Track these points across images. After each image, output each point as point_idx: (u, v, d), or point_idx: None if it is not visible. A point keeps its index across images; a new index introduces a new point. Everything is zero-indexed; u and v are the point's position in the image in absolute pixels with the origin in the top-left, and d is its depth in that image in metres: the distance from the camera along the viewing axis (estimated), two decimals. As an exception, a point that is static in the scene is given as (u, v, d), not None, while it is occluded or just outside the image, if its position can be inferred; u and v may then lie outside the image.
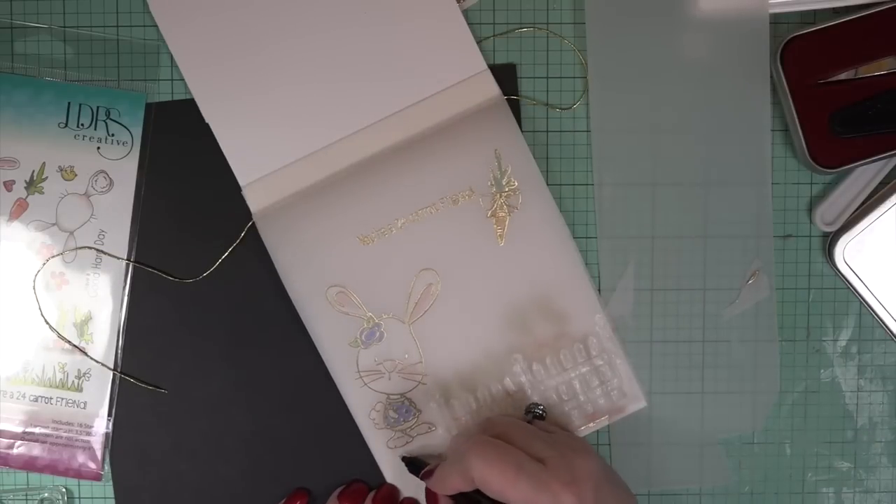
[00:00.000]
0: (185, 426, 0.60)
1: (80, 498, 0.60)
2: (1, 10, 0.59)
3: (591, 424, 0.59)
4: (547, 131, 0.60)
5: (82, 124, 0.58)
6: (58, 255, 0.59)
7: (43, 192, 0.59)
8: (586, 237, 0.60)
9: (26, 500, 0.60)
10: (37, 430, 0.59)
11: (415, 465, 0.57)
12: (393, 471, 0.58)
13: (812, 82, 0.58)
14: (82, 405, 0.59)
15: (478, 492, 0.51)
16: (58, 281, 0.59)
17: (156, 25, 0.58)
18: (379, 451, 0.58)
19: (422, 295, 0.58)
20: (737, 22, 0.58)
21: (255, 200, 0.58)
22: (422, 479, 0.55)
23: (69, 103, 0.58)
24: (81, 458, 0.59)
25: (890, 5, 0.58)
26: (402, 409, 0.58)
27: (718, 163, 0.59)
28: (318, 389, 0.59)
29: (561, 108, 0.60)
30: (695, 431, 0.60)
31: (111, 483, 0.59)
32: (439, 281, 0.58)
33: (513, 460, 0.49)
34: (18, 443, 0.59)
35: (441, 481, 0.52)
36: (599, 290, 0.59)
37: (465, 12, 0.59)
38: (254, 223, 0.58)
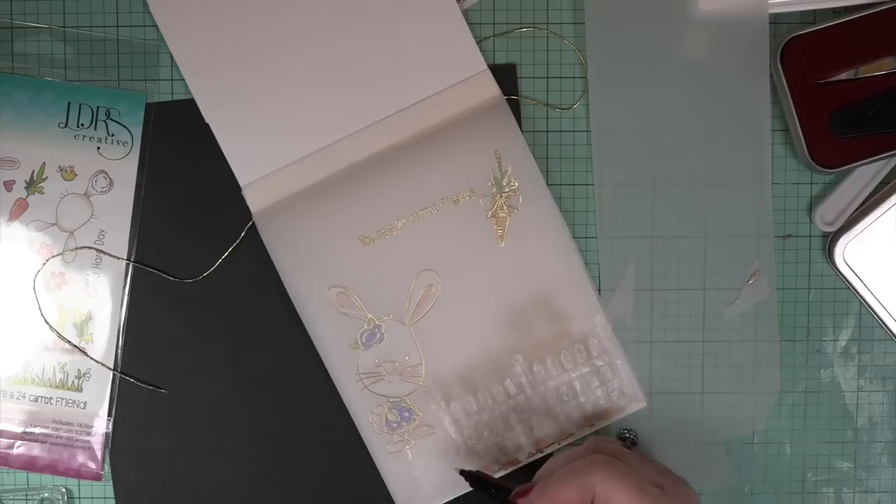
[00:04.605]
0: (185, 426, 0.60)
1: (80, 498, 0.60)
2: (1, 10, 0.58)
3: (592, 425, 0.59)
4: (547, 131, 0.60)
5: (82, 124, 0.58)
6: (58, 255, 0.59)
7: (43, 192, 0.58)
8: (586, 237, 0.60)
9: (26, 500, 0.60)
10: (37, 430, 0.59)
11: (480, 480, 0.54)
12: (393, 473, 0.58)
13: (812, 82, 0.58)
14: (82, 405, 0.59)
15: None
16: (58, 281, 0.59)
17: (156, 25, 0.58)
18: (379, 454, 0.58)
19: (422, 296, 0.58)
20: (737, 22, 0.58)
21: (255, 200, 0.58)
22: (513, 497, 0.52)
23: (69, 103, 0.58)
24: (81, 458, 0.59)
25: (890, 5, 0.58)
26: (402, 411, 0.58)
27: (718, 163, 0.59)
28: (318, 390, 0.59)
29: (561, 108, 0.60)
30: (695, 431, 0.60)
31: (111, 483, 0.59)
32: (440, 282, 0.58)
33: (637, 482, 0.48)
34: (18, 443, 0.59)
35: (549, 496, 0.50)
36: (599, 290, 0.59)
37: (465, 12, 0.59)
38: (254, 223, 0.58)
